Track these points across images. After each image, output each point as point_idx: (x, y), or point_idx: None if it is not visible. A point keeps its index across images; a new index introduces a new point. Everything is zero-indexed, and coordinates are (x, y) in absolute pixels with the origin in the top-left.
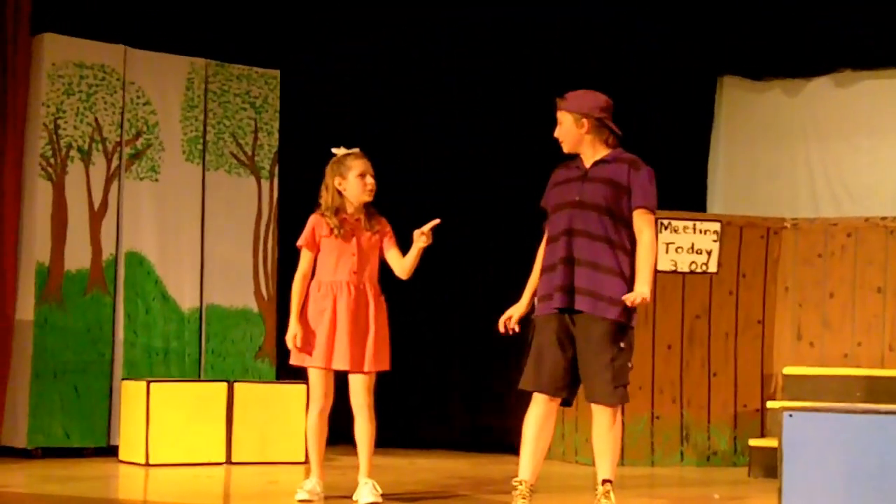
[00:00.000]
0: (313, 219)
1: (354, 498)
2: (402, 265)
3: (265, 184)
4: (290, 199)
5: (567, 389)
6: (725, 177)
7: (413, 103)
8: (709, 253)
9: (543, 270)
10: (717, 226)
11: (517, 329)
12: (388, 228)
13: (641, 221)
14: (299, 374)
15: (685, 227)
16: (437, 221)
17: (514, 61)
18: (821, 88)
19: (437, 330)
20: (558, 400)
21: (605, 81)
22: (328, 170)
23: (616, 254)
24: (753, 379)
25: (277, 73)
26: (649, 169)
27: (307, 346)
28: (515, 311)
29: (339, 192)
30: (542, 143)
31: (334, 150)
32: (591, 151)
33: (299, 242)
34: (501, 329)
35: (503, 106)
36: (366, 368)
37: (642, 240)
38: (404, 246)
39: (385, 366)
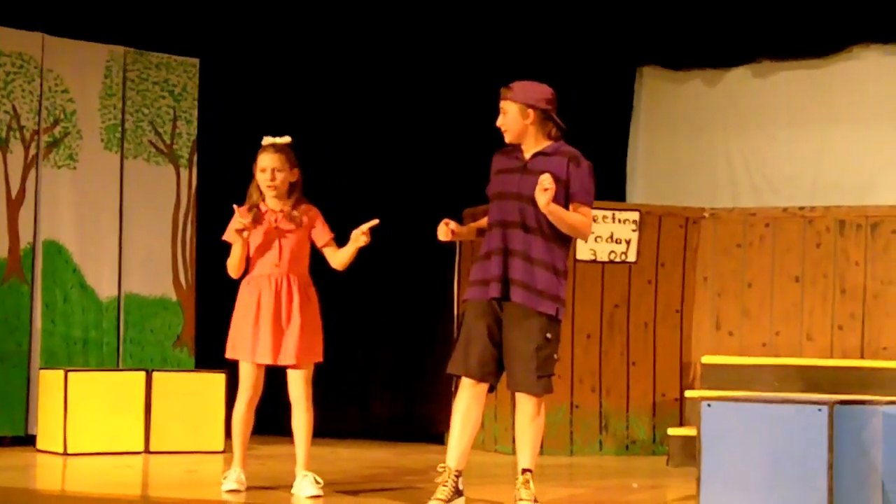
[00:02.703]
0: (237, 213)
1: (293, 491)
2: (337, 258)
3: (184, 172)
4: (210, 187)
5: (493, 376)
6: (645, 166)
7: (338, 93)
8: (628, 242)
9: (479, 257)
10: (635, 215)
11: (454, 231)
12: (318, 218)
13: (578, 210)
14: (219, 363)
15: (604, 217)
16: (375, 222)
17: (434, 52)
18: (740, 78)
19: (361, 319)
20: (486, 385)
21: (524, 70)
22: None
23: (550, 247)
24: (672, 368)
25: (197, 61)
26: (589, 164)
27: (237, 338)
28: (455, 225)
29: (257, 186)
30: (469, 132)
31: (264, 141)
32: (534, 142)
33: (225, 236)
34: (441, 234)
35: (427, 97)
36: (291, 362)
37: (576, 224)
38: (341, 239)
39: (316, 357)
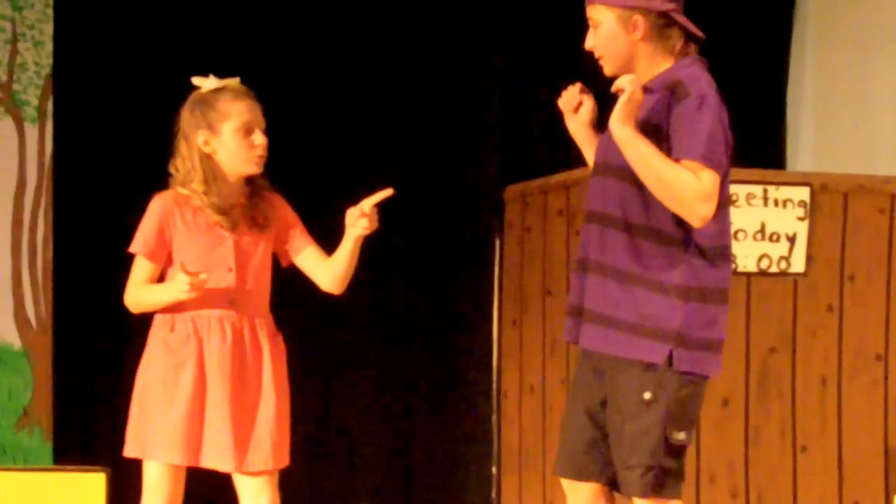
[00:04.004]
0: (156, 205)
1: None
2: (331, 270)
3: (31, 130)
4: (76, 155)
5: (600, 471)
6: (817, 112)
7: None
8: (791, 240)
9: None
10: (804, 192)
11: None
12: (291, 213)
13: (678, 167)
14: (95, 454)
15: (749, 196)
16: (388, 192)
17: None
18: None
19: (342, 367)
20: (592, 487)
21: None
22: (185, 116)
23: (654, 249)
24: (870, 456)
25: None
26: (702, 92)
27: (152, 422)
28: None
29: (206, 157)
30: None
31: (196, 82)
32: (649, 70)
33: (134, 246)
34: (566, 97)
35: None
36: (266, 466)
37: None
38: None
39: (286, 457)
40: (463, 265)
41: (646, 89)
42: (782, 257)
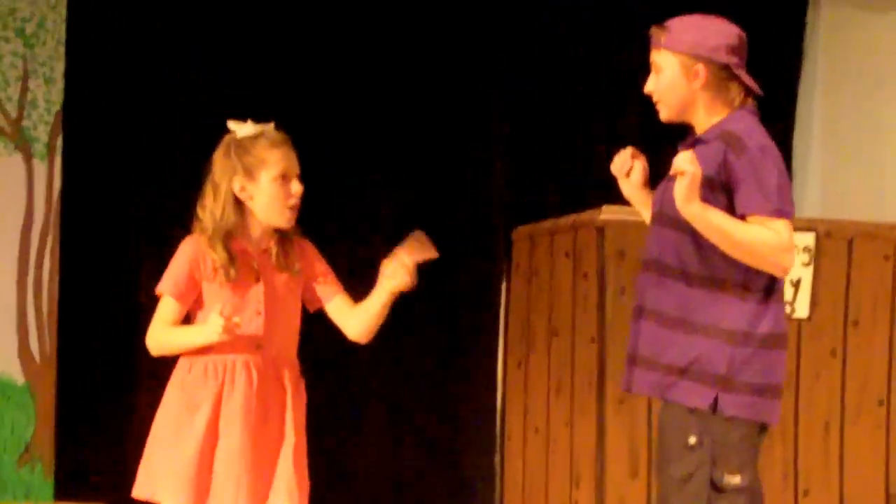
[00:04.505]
0: (188, 248)
1: None
2: (360, 321)
3: (40, 166)
4: (84, 192)
5: None
6: (825, 153)
7: (310, 37)
8: (795, 285)
9: None
10: (808, 238)
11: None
12: (320, 260)
13: (756, 227)
14: (98, 491)
15: None
16: (434, 255)
17: None
18: None
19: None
20: None
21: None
22: (219, 161)
23: (706, 297)
24: (872, 500)
25: None
26: (762, 143)
27: (169, 464)
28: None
29: (238, 203)
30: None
31: (232, 126)
32: (705, 119)
33: (163, 287)
34: (618, 163)
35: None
36: None
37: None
38: None
39: (305, 500)
40: (470, 305)
41: (700, 140)
42: (787, 302)
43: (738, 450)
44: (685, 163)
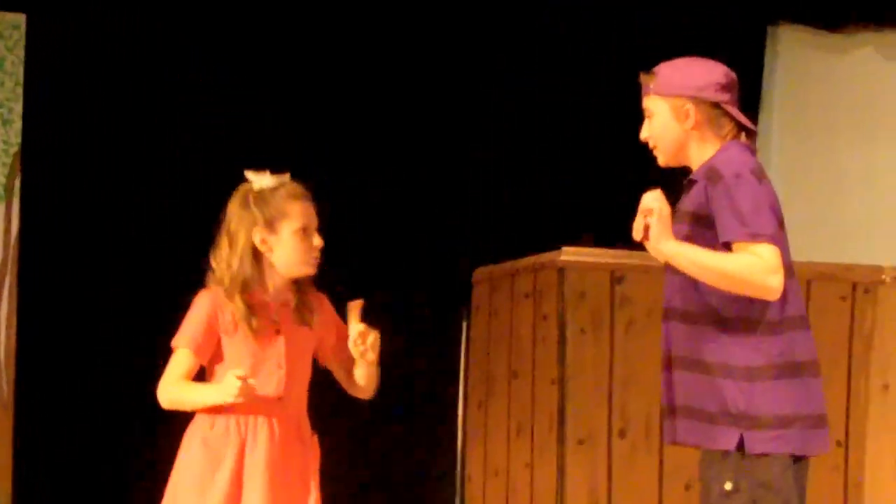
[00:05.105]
0: (205, 300)
1: None
2: (358, 389)
3: None
4: (42, 234)
5: None
6: (783, 191)
7: (280, 66)
8: None
9: None
10: None
11: None
12: (336, 319)
13: (733, 256)
14: None
15: None
16: (359, 303)
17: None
18: None
19: None
20: None
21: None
22: (236, 212)
23: (714, 335)
24: None
25: (22, 18)
26: (736, 170)
27: None
28: None
29: (256, 254)
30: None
31: (250, 176)
32: (700, 158)
33: (180, 341)
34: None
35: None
36: None
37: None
38: None
39: None
40: (430, 347)
41: (691, 181)
42: None
43: (779, 489)
44: (652, 200)
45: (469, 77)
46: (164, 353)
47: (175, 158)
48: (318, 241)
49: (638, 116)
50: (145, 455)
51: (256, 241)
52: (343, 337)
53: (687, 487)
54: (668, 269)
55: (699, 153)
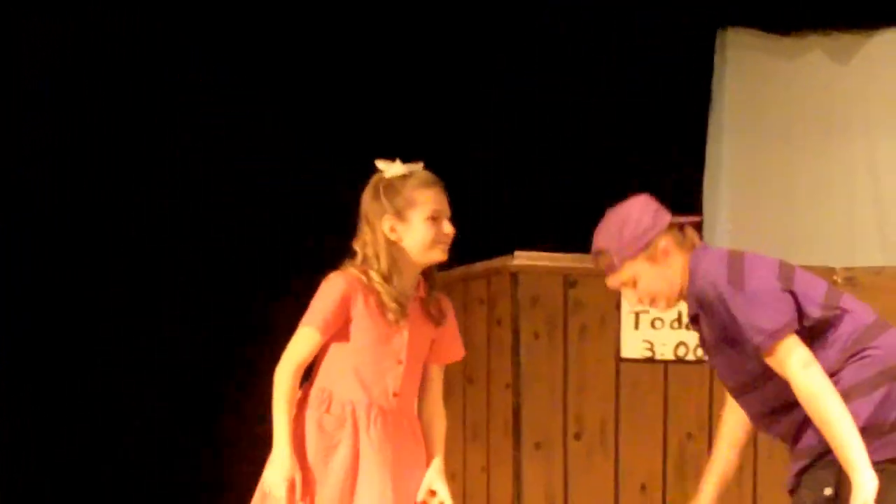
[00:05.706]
0: (340, 282)
1: None
2: (439, 395)
3: None
4: (43, 233)
5: None
6: (732, 196)
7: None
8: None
9: None
10: None
11: None
12: (455, 324)
13: (776, 364)
14: None
15: None
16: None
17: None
18: (891, 47)
19: None
20: None
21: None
22: (368, 201)
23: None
24: None
25: None
26: (719, 290)
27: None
28: None
29: (391, 244)
30: None
31: (381, 166)
32: (685, 279)
33: (312, 321)
34: None
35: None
36: None
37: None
38: None
39: None
40: None
41: (693, 319)
42: (698, 345)
43: (885, 496)
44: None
45: (469, 77)
46: (165, 353)
47: (175, 158)
48: (448, 228)
49: (627, 117)
50: (143, 456)
51: (386, 229)
52: (453, 348)
53: (642, 488)
54: (714, 353)
55: (684, 276)
